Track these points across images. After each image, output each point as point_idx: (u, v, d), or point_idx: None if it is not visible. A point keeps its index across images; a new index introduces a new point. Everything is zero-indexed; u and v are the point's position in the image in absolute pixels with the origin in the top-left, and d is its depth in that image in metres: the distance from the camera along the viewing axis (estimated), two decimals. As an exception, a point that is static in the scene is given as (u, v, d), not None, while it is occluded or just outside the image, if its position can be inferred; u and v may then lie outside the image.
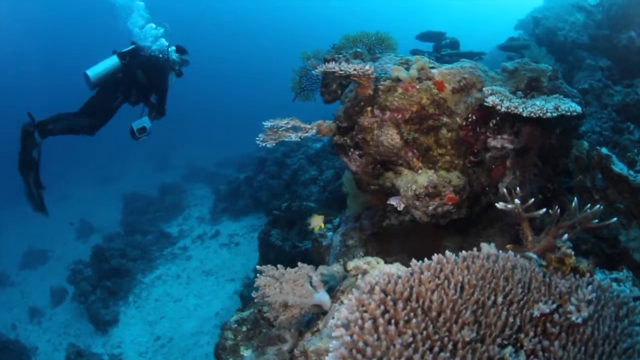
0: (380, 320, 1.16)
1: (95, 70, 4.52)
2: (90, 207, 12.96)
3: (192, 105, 20.87)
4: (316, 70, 2.70)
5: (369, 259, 2.04)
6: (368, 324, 1.15)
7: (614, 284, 1.98)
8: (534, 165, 2.86)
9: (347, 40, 3.49)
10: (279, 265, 2.00)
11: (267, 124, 2.77)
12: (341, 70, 2.52)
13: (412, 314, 1.20)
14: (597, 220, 1.90)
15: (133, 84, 4.75)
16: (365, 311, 1.21)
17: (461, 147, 2.63)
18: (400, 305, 1.22)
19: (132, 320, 7.80)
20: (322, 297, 1.94)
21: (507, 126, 2.68)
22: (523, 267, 1.52)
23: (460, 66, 2.78)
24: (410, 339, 1.13)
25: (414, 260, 1.44)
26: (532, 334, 1.37)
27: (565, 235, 1.83)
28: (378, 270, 1.89)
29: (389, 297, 1.24)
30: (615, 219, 1.97)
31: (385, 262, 2.16)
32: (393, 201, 2.74)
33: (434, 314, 1.23)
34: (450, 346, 1.17)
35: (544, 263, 1.77)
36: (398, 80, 2.63)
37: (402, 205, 2.68)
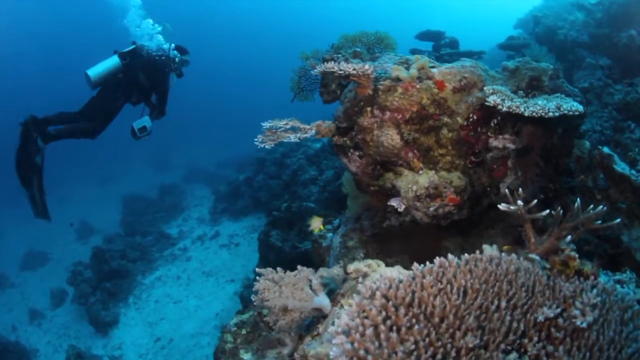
0: (382, 327, 1.14)
1: (96, 70, 4.50)
2: (90, 208, 12.94)
3: (191, 105, 20.84)
4: (315, 70, 2.67)
5: (370, 261, 2.02)
6: (369, 331, 1.12)
7: (618, 286, 1.95)
8: (536, 165, 2.83)
9: (346, 40, 3.46)
10: (278, 269, 1.98)
11: (266, 124, 2.74)
12: (340, 70, 2.49)
13: (414, 320, 1.18)
14: (600, 221, 1.88)
15: (134, 85, 4.73)
16: (366, 317, 1.19)
17: (462, 147, 2.61)
18: (402, 311, 1.19)
19: (132, 322, 7.77)
20: (322, 300, 1.91)
21: (509, 126, 2.65)
22: (526, 270, 1.49)
23: (460, 65, 2.75)
24: (413, 346, 1.11)
25: (415, 264, 1.42)
26: (536, 339, 1.34)
27: (569, 237, 1.80)
28: (379, 274, 1.86)
29: (390, 303, 1.22)
30: (618, 220, 1.94)
31: (386, 264, 2.14)
32: (393, 202, 2.71)
33: (436, 319, 1.20)
34: (453, 353, 1.15)
35: (548, 265, 1.74)
36: (398, 79, 2.60)
37: (403, 207, 2.66)
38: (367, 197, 3.14)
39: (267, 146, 2.68)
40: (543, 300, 1.42)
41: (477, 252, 1.55)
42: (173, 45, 4.97)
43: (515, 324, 1.31)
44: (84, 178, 16.50)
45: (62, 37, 27.82)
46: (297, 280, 1.90)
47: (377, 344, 1.11)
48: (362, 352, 1.09)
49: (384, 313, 1.19)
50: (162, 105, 4.94)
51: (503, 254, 1.56)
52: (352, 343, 1.13)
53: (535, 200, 1.86)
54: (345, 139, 2.85)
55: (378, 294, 1.24)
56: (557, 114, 2.34)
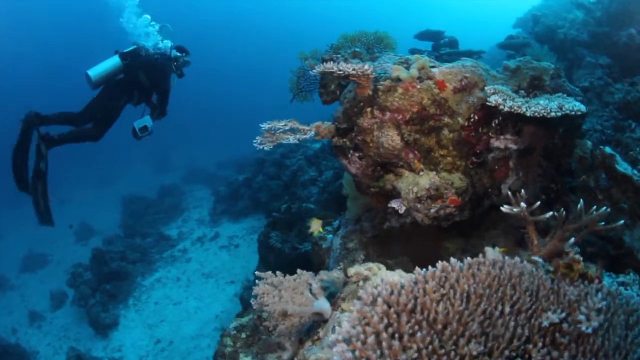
0: (384, 335, 1.11)
1: (97, 71, 4.49)
2: (89, 210, 12.93)
3: (191, 106, 20.82)
4: (314, 71, 2.64)
5: (371, 265, 1.99)
6: (371, 339, 1.10)
7: (622, 289, 1.93)
8: (538, 166, 2.81)
9: (345, 40, 3.43)
10: (278, 273, 1.95)
11: (265, 126, 2.71)
12: (340, 71, 2.46)
13: (417, 328, 1.15)
14: (603, 223, 1.85)
15: (135, 85, 4.72)
16: (368, 325, 1.16)
17: (463, 148, 2.58)
18: (404, 318, 1.17)
19: (132, 324, 7.76)
20: (323, 305, 1.89)
21: (510, 126, 2.63)
22: (531, 274, 1.47)
23: (461, 65, 2.73)
24: (416, 355, 1.08)
25: (417, 269, 1.39)
26: (540, 344, 1.31)
27: (572, 239, 1.78)
28: (380, 278, 1.83)
29: (392, 310, 1.19)
30: (622, 221, 1.92)
31: (387, 266, 2.11)
32: (394, 204, 2.69)
33: (439, 326, 1.18)
34: (456, 360, 1.12)
35: (551, 269, 1.72)
36: (398, 80, 2.58)
37: (404, 208, 2.63)
38: (368, 199, 3.11)
39: (266, 148, 2.65)
40: (548, 305, 1.39)
41: (480, 255, 1.52)
42: (171, 44, 4.95)
43: (519, 330, 1.29)
44: (84, 179, 16.50)
45: (62, 37, 27.82)
46: (297, 284, 1.87)
47: (379, 352, 1.08)
48: (363, 361, 1.07)
49: (386, 320, 1.17)
50: (164, 106, 4.93)
51: (507, 257, 1.53)
52: (353, 351, 1.10)
53: (539, 202, 1.83)
54: (345, 140, 2.82)
55: (380, 300, 1.22)
56: (559, 114, 2.31)
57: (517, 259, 1.55)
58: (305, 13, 36.20)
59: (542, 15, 7.39)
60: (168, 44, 4.94)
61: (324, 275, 2.15)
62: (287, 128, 2.71)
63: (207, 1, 33.24)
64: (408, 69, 2.61)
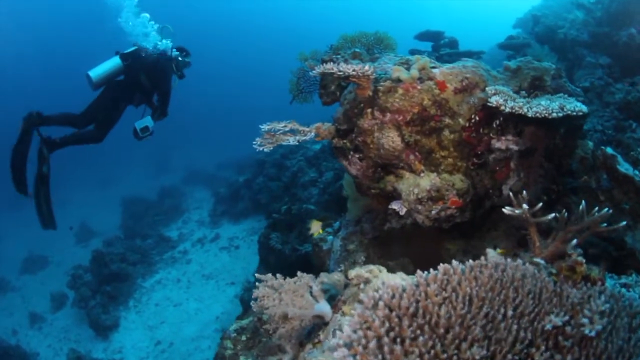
0: (385, 339, 1.10)
1: (97, 71, 4.49)
2: (89, 211, 12.91)
3: (191, 107, 20.81)
4: (314, 72, 2.62)
5: (371, 267, 1.98)
6: (372, 344, 1.09)
7: (624, 291, 1.92)
8: (539, 166, 2.80)
9: (345, 41, 3.42)
10: (278, 275, 1.94)
11: (265, 127, 2.70)
12: (339, 71, 2.45)
13: (418, 331, 1.14)
14: (605, 224, 1.84)
15: (136, 86, 4.71)
16: (369, 329, 1.15)
17: (464, 149, 2.57)
18: (406, 321, 1.16)
19: (132, 325, 7.74)
20: (323, 307, 1.87)
21: (511, 127, 2.62)
22: (533, 277, 1.45)
23: (462, 65, 2.72)
24: (418, 359, 1.07)
25: (419, 272, 1.38)
26: (543, 348, 1.30)
27: (575, 241, 1.76)
28: (381, 280, 1.82)
29: (393, 313, 1.18)
30: (624, 222, 1.91)
31: (387, 267, 2.10)
32: (395, 205, 2.68)
33: (441, 330, 1.17)
34: (459, 364, 1.11)
35: (554, 270, 1.70)
36: (398, 80, 2.56)
37: (404, 210, 2.62)
38: (368, 200, 3.10)
39: (265, 149, 2.64)
40: (550, 308, 1.38)
41: (482, 257, 1.51)
42: (171, 44, 4.94)
43: (522, 333, 1.27)
44: (84, 180, 16.48)
45: (62, 37, 27.83)
46: (297, 287, 1.86)
47: (380, 356, 1.07)
48: (365, 365, 1.06)
49: (387, 324, 1.16)
50: (164, 106, 4.92)
51: (509, 259, 1.52)
52: (354, 356, 1.09)
53: (541, 204, 1.82)
54: (345, 141, 2.81)
55: (381, 303, 1.21)
56: (560, 115, 2.30)
57: (519, 260, 1.54)
58: (305, 13, 36.22)
59: (542, 15, 7.38)
60: (168, 44, 4.93)
61: (324, 277, 2.14)
62: (286, 129, 2.70)
63: (206, 1, 33.25)
64: (408, 69, 2.60)
